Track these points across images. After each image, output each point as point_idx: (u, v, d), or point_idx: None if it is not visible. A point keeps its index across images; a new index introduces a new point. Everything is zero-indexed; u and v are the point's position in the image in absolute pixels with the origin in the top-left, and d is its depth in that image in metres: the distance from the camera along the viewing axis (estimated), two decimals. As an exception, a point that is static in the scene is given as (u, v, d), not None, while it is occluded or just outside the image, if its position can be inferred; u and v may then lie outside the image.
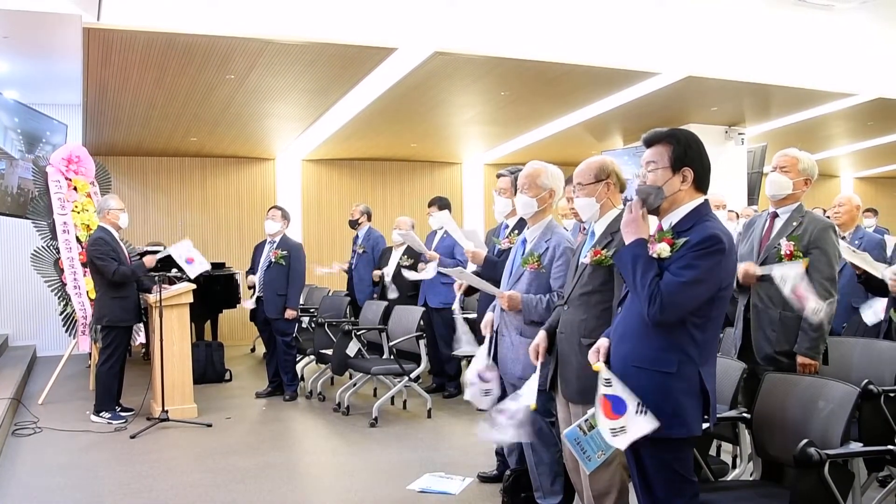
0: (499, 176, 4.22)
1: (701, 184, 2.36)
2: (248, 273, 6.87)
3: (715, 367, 2.34)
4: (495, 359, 3.46)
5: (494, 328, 3.47)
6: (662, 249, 2.27)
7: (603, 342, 2.49)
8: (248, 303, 6.72)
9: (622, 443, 2.26)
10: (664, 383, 2.24)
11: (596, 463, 2.56)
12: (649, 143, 2.40)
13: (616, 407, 2.28)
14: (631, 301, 2.37)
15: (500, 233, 4.20)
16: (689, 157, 2.34)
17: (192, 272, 5.82)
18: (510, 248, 3.73)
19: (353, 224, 7.48)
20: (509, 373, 3.35)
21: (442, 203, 6.36)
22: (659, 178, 2.34)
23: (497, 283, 3.47)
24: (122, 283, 5.61)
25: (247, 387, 7.12)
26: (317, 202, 11.23)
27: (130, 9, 5.37)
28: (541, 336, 2.98)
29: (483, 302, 4.06)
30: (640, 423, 2.22)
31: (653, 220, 2.44)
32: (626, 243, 2.34)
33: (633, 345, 2.32)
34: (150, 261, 5.76)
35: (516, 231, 3.90)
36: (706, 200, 2.37)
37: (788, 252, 3.27)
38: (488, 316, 3.50)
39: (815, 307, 3.01)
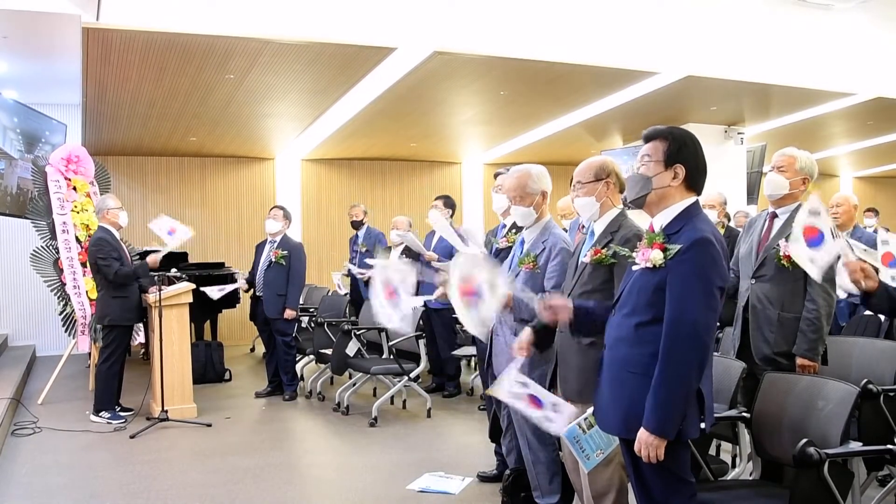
0: (496, 175, 4.22)
1: (693, 183, 2.36)
2: (250, 273, 6.85)
3: (711, 370, 2.32)
4: (490, 359, 3.47)
5: (490, 327, 3.48)
6: (656, 258, 2.27)
7: (526, 335, 2.83)
8: (215, 291, 6.59)
9: (556, 428, 2.60)
10: None
11: (594, 462, 2.56)
12: (648, 139, 2.42)
13: (537, 401, 2.66)
14: (624, 304, 2.38)
15: (497, 233, 4.20)
16: (682, 154, 2.34)
17: (174, 242, 5.72)
18: (508, 248, 3.74)
19: (358, 224, 7.51)
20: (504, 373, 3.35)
21: (448, 202, 6.35)
22: (650, 171, 2.36)
23: None
24: (124, 284, 5.61)
25: (246, 387, 7.12)
26: (316, 202, 11.22)
27: (130, 8, 5.37)
28: (526, 332, 2.94)
29: None
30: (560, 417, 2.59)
31: (645, 219, 2.45)
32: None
33: (627, 349, 2.31)
34: (153, 260, 5.68)
35: (513, 231, 3.90)
36: (696, 201, 2.37)
37: (787, 253, 3.26)
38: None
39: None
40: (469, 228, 4.69)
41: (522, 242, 3.45)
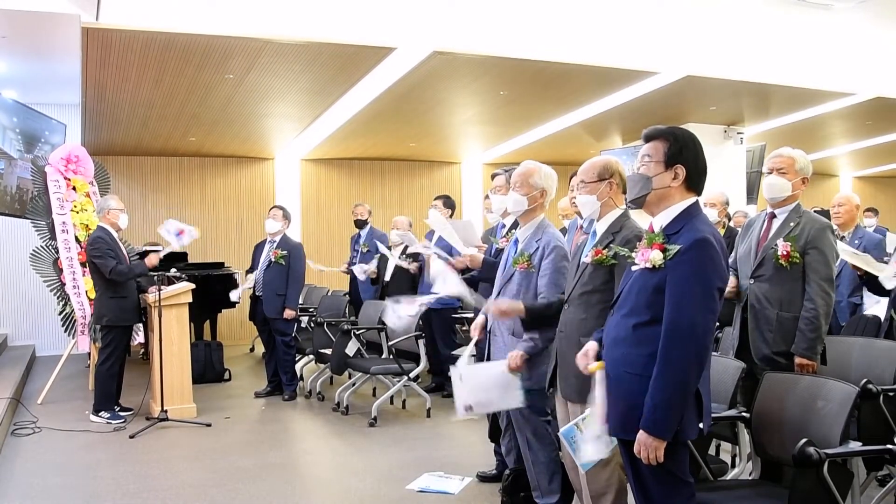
0: (493, 176, 4.22)
1: (693, 184, 2.36)
2: (247, 272, 6.87)
3: (709, 371, 2.31)
4: (489, 359, 3.48)
5: (487, 329, 3.48)
6: (655, 258, 2.26)
7: (591, 346, 2.50)
8: (234, 294, 6.75)
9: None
10: None
11: (591, 462, 2.56)
12: (648, 139, 2.42)
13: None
14: (622, 304, 2.38)
15: (496, 232, 4.20)
16: (683, 155, 2.34)
17: (183, 242, 5.83)
18: None
19: (362, 224, 7.51)
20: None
21: (447, 202, 6.36)
22: (650, 171, 2.36)
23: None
24: (121, 283, 5.60)
25: (246, 386, 7.12)
26: (316, 202, 11.22)
27: (129, 8, 5.37)
28: (480, 319, 3.34)
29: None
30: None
31: (645, 219, 2.45)
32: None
33: (625, 350, 2.31)
34: (151, 260, 5.70)
35: (513, 230, 3.90)
36: (696, 201, 2.37)
37: (785, 253, 3.26)
38: (480, 318, 3.50)
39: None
40: (468, 221, 4.69)
41: (516, 242, 3.45)
